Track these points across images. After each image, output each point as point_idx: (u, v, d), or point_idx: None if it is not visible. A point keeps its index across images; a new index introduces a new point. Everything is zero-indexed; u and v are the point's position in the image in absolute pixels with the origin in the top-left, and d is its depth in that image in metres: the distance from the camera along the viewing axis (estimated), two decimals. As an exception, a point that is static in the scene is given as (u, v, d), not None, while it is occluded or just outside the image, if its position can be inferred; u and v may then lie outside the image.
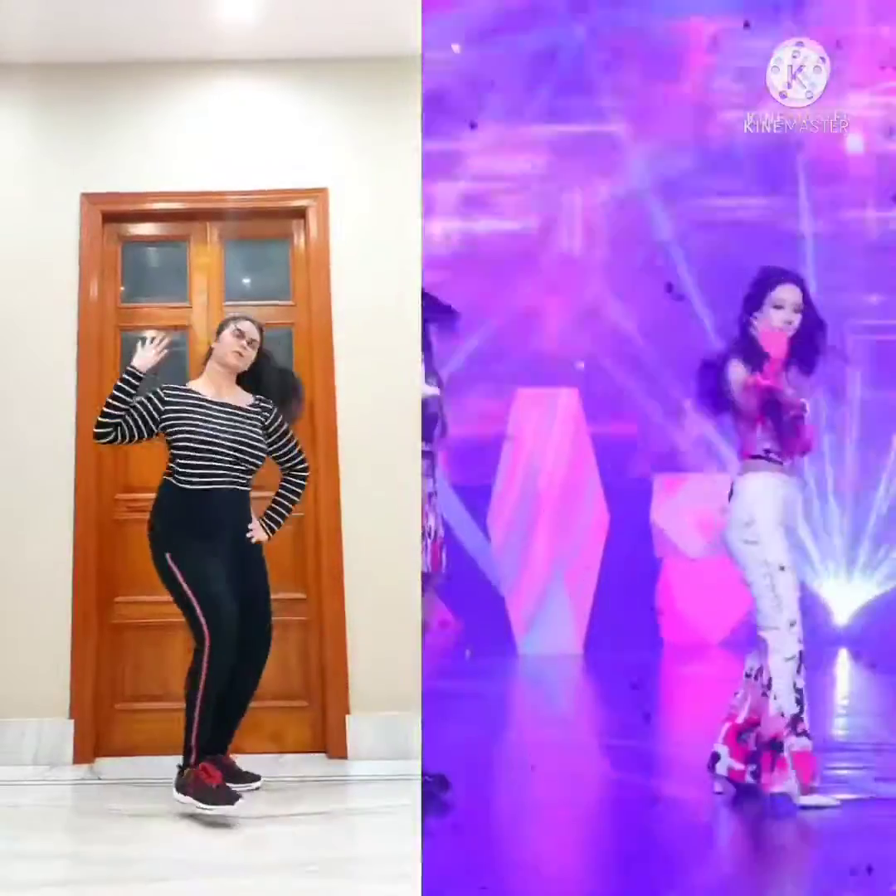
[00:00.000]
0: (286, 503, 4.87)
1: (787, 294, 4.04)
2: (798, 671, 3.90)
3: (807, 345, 4.05)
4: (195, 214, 5.76)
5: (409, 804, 4.19)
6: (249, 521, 4.73)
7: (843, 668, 5.56)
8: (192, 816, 4.44)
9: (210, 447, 4.63)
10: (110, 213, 5.71)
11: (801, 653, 3.91)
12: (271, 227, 5.82)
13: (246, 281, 5.91)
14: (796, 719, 3.91)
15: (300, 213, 5.73)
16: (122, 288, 5.80)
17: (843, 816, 3.88)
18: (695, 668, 4.23)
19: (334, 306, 5.65)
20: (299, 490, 4.91)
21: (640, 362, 6.57)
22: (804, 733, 3.91)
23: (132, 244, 5.85)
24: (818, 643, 4.28)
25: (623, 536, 6.21)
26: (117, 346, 5.73)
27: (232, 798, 4.37)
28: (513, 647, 6.45)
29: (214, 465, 4.62)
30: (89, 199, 5.66)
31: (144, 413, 4.66)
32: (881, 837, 3.65)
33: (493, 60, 6.43)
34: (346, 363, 5.62)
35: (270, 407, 4.82)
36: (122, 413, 4.65)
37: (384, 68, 5.56)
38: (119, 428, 4.65)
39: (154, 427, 4.67)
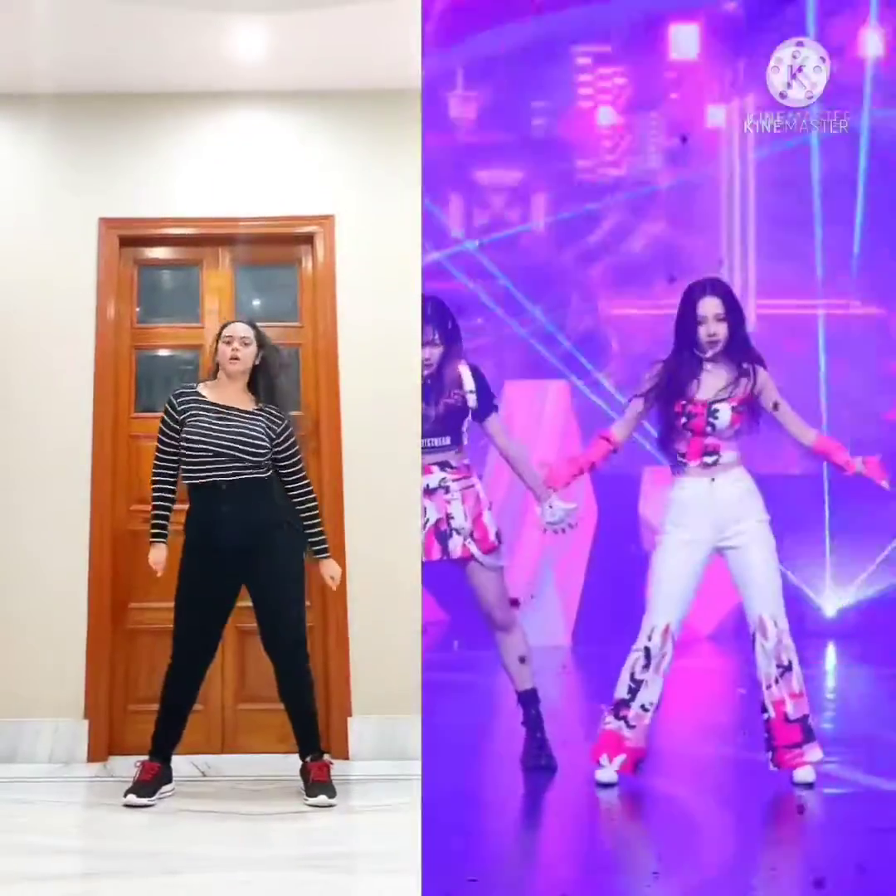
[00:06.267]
0: (310, 518, 4.98)
1: (706, 308, 4.04)
2: (644, 666, 4.04)
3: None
4: (208, 240, 5.83)
5: (409, 802, 4.23)
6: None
7: (831, 661, 5.56)
8: (199, 812, 4.55)
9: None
10: (127, 238, 5.78)
11: (647, 649, 4.05)
12: (280, 252, 5.89)
13: (256, 303, 5.98)
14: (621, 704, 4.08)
15: (308, 239, 5.81)
16: (137, 309, 5.87)
17: (833, 811, 3.88)
18: (683, 661, 4.25)
19: (340, 327, 5.74)
20: (309, 498, 4.97)
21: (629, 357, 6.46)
22: (624, 719, 4.06)
23: (148, 267, 5.93)
24: (806, 637, 4.34)
25: (611, 529, 6.01)
26: (133, 363, 5.83)
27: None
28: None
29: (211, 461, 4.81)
30: (107, 224, 5.73)
31: (170, 439, 4.86)
32: (871, 831, 3.65)
33: (492, 87, 6.50)
34: (350, 380, 5.72)
35: (281, 417, 4.89)
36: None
37: (387, 101, 5.64)
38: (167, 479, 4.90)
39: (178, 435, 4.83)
